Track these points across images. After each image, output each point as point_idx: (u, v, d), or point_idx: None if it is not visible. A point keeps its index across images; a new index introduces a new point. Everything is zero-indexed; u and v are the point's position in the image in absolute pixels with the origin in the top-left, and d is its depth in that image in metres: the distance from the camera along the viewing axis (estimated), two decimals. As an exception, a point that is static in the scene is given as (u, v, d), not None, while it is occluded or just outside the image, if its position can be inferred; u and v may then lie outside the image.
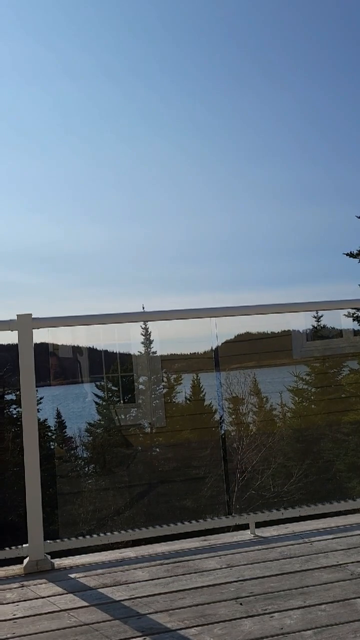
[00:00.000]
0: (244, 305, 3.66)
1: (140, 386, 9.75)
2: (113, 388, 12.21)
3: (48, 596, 2.66)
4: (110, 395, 12.75)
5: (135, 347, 6.78)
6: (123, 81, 37.74)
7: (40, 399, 9.30)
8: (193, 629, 2.28)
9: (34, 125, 45.11)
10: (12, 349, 3.18)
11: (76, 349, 4.49)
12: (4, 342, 3.39)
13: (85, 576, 2.88)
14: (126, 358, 6.50)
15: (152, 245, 61.64)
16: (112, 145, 45.18)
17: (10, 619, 2.45)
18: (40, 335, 3.17)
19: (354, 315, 16.01)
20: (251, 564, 2.91)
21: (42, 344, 3.31)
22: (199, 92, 38.43)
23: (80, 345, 4.38)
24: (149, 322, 4.83)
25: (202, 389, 14.42)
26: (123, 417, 13.10)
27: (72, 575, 2.90)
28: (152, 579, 2.79)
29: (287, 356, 13.08)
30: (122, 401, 11.92)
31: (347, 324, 13.73)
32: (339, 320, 7.86)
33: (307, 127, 38.84)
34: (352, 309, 13.52)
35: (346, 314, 11.72)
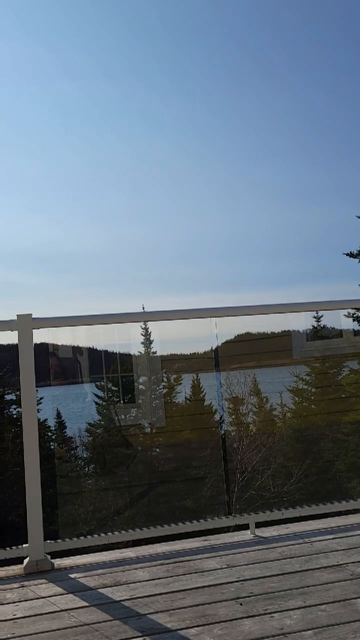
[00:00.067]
0: (245, 305, 3.67)
1: (140, 386, 9.77)
2: (113, 388, 12.21)
3: (48, 596, 2.66)
4: (110, 395, 12.74)
5: (135, 347, 6.80)
6: (123, 81, 37.77)
7: (40, 399, 9.29)
8: (193, 629, 2.28)
9: (34, 125, 45.13)
10: (12, 349, 3.18)
11: (76, 349, 4.50)
12: (4, 342, 3.39)
13: (86, 576, 2.88)
14: (126, 358, 6.50)
15: (152, 245, 61.63)
16: (112, 145, 45.21)
17: (10, 619, 2.45)
18: (40, 336, 3.18)
19: (354, 316, 15.99)
20: (251, 564, 2.90)
21: (42, 344, 3.31)
22: (199, 92, 38.46)
23: (80, 345, 4.38)
24: (149, 322, 4.84)
25: (202, 389, 14.42)
26: (123, 417, 13.10)
27: (72, 576, 2.90)
28: (152, 579, 2.79)
29: (287, 356, 13.09)
30: (122, 401, 11.92)
31: (347, 324, 13.70)
32: (339, 320, 7.86)
33: (307, 127, 38.86)
34: (352, 309, 13.52)
35: (346, 314, 11.70)
